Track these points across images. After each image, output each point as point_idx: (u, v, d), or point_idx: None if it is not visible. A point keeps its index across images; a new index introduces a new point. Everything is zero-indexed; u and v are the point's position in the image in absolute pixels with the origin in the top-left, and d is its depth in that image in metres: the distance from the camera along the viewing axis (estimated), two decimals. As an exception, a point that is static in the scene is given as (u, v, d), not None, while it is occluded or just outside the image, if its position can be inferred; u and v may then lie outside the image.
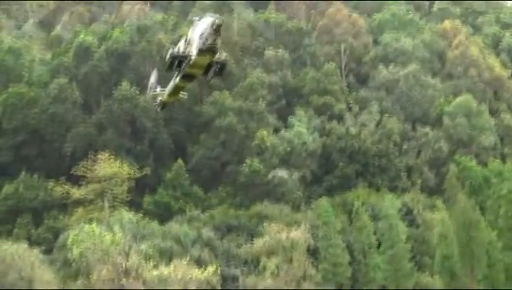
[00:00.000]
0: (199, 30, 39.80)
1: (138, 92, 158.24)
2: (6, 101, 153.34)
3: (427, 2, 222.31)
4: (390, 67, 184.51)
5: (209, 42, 34.60)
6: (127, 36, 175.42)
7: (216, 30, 34.98)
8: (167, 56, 41.06)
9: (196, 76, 45.61)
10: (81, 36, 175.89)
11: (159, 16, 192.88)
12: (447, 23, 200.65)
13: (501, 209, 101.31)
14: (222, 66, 42.21)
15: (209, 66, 37.23)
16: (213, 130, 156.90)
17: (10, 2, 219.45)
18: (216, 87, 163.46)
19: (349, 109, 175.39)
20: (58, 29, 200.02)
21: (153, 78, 61.18)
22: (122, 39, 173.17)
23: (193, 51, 36.58)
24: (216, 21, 36.00)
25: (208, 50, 35.62)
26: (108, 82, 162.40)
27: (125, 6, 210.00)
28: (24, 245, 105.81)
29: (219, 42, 36.54)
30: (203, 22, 39.75)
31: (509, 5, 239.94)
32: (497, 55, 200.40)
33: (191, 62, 37.84)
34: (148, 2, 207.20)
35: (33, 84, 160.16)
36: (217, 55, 38.82)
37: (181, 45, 40.38)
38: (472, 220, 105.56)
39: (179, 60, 38.88)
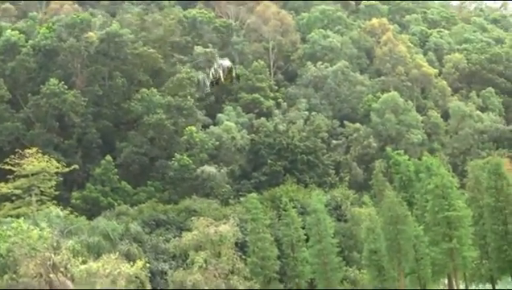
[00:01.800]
0: (221, 64, 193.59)
1: (65, 87, 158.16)
2: None
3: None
4: (319, 64, 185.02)
5: (224, 74, 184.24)
6: (55, 33, 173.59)
7: (229, 70, 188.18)
8: (204, 80, 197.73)
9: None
10: (8, 32, 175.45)
11: (87, 14, 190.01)
12: (374, 21, 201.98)
13: (428, 204, 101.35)
14: (234, 77, 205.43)
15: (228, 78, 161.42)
16: (142, 126, 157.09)
17: None
18: (145, 83, 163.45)
19: (278, 106, 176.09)
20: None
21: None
22: (50, 35, 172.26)
23: (220, 76, 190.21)
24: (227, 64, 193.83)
25: (225, 78, 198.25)
26: (35, 78, 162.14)
27: (54, 5, 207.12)
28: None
29: (232, 73, 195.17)
30: (222, 62, 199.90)
31: (436, 3, 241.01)
32: (425, 53, 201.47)
33: (218, 81, 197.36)
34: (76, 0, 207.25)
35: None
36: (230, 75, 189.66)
37: (212, 72, 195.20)
38: (399, 214, 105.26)
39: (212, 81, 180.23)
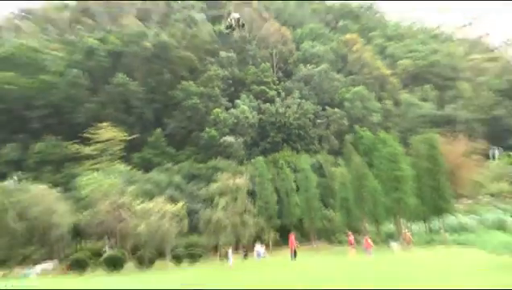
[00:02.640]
0: (233, 16, 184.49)
1: (129, 80, 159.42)
2: (33, 85, 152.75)
3: (334, 20, 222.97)
4: (308, 66, 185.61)
5: (235, 21, 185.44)
6: (122, 41, 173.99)
7: (238, 19, 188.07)
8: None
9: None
10: (89, 40, 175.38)
11: (144, 28, 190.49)
12: (348, 36, 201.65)
13: (382, 166, 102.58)
14: (240, 23, 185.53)
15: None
16: (182, 108, 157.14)
17: None
18: (185, 78, 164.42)
19: (278, 95, 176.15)
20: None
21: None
22: (118, 42, 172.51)
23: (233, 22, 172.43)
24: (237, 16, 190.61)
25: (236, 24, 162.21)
26: (108, 73, 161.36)
27: (121, 20, 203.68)
28: (46, 186, 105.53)
29: (240, 21, 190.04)
30: (233, 14, 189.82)
31: (392, 23, 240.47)
32: (383, 59, 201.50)
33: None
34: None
35: (53, 73, 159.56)
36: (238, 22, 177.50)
37: (228, 20, 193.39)
38: (362, 173, 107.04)
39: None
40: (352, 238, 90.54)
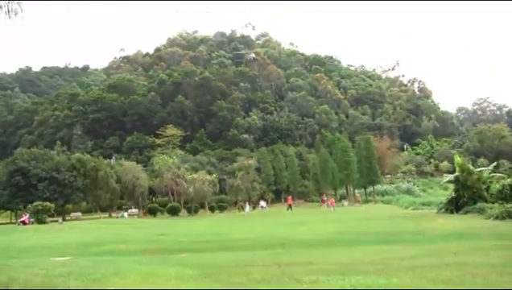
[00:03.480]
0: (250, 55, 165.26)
1: (184, 98, 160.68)
2: (127, 102, 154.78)
3: (309, 65, 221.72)
4: (293, 93, 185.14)
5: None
6: (179, 75, 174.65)
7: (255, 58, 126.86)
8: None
9: None
10: (162, 75, 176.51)
11: (194, 67, 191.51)
12: (318, 75, 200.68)
13: (338, 154, 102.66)
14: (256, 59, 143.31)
15: None
16: (217, 116, 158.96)
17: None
18: (218, 98, 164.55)
19: (275, 110, 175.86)
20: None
21: None
22: (178, 76, 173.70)
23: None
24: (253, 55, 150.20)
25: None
26: (171, 95, 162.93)
27: (182, 64, 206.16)
28: (133, 163, 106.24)
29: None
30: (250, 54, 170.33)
31: (344, 66, 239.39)
32: (339, 89, 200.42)
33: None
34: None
35: (139, 95, 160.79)
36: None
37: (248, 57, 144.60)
38: (326, 158, 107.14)
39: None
40: (325, 197, 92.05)
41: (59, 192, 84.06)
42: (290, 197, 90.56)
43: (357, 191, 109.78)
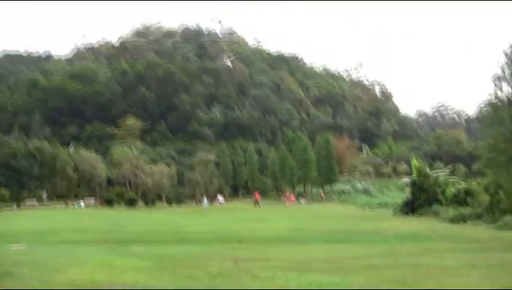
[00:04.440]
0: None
1: (147, 91, 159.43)
2: (89, 91, 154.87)
3: (274, 63, 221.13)
4: (257, 90, 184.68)
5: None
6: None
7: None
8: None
9: None
10: (124, 66, 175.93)
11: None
12: (282, 73, 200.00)
13: (297, 152, 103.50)
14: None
15: None
16: (179, 110, 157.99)
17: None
18: (182, 92, 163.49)
19: (237, 106, 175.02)
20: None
21: None
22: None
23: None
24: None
25: None
26: (134, 87, 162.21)
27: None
28: (92, 152, 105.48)
29: None
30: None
31: (308, 66, 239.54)
32: (302, 88, 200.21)
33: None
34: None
35: (101, 85, 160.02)
36: None
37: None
38: (285, 156, 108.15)
39: None
40: (287, 194, 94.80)
41: (15, 179, 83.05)
42: (257, 193, 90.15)
43: (313, 189, 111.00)
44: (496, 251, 18.78)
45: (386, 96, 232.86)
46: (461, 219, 34.70)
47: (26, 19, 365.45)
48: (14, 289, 10.64)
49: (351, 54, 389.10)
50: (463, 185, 44.74)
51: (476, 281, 11.66)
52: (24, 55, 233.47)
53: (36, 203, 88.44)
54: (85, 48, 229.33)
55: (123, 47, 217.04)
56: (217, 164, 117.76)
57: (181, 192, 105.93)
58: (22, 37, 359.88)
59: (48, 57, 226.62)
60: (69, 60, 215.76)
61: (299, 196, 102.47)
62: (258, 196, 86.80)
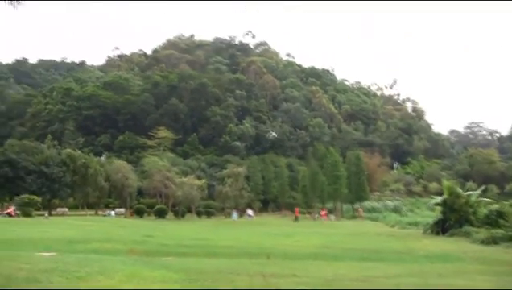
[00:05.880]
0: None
1: (178, 102, 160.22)
2: (121, 100, 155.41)
3: (305, 77, 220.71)
4: (288, 103, 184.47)
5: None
6: (176, 78, 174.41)
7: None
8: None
9: None
10: (157, 76, 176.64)
11: (190, 71, 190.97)
12: (313, 87, 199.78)
13: (328, 168, 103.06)
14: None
15: None
16: (210, 122, 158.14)
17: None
18: (213, 104, 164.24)
19: (269, 119, 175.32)
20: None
21: None
22: (175, 79, 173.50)
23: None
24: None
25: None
26: (165, 98, 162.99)
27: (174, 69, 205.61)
28: (124, 162, 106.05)
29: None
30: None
31: (340, 81, 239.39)
32: (333, 104, 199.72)
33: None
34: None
35: (134, 95, 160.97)
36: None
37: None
38: (315, 171, 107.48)
39: None
40: (323, 212, 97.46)
41: (47, 187, 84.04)
42: (297, 209, 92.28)
43: (344, 206, 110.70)
44: (528, 275, 18.45)
45: (419, 113, 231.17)
46: (493, 241, 34.06)
47: (62, 29, 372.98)
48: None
49: (385, 71, 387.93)
50: (495, 206, 43.92)
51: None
52: (58, 61, 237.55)
53: (67, 211, 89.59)
54: (119, 57, 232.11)
55: (156, 58, 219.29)
56: (248, 178, 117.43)
57: (211, 205, 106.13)
58: (58, 47, 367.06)
59: (81, 63, 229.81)
60: (102, 67, 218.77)
61: (329, 212, 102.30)
62: (297, 212, 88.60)
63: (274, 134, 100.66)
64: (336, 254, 26.28)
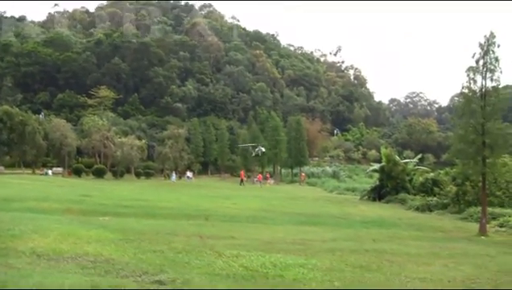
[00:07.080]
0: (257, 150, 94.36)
1: (121, 62, 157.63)
2: (62, 58, 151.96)
3: (250, 41, 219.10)
4: (231, 66, 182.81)
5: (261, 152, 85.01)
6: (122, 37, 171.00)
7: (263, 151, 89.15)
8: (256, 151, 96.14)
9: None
10: (100, 34, 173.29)
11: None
12: (257, 51, 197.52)
13: (269, 132, 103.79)
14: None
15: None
16: (152, 82, 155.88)
17: None
18: (156, 65, 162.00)
19: (211, 82, 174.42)
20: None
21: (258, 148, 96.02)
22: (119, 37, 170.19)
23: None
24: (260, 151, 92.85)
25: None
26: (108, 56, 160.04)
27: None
28: (64, 120, 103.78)
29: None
30: (258, 149, 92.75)
31: (284, 46, 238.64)
32: (276, 68, 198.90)
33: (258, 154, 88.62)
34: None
35: (75, 52, 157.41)
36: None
37: (256, 150, 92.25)
38: (256, 135, 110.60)
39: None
40: (268, 175, 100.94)
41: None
42: (242, 172, 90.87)
43: (283, 170, 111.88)
44: (459, 241, 19.02)
45: (361, 81, 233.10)
46: (427, 208, 35.14)
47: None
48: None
49: (330, 38, 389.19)
50: (431, 175, 45.12)
51: (438, 269, 11.78)
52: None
53: (3, 169, 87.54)
54: (61, 13, 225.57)
55: (99, 15, 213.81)
56: (188, 140, 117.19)
57: (150, 166, 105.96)
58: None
59: (22, 19, 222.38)
60: (43, 24, 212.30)
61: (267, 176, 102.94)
62: (243, 174, 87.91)
63: (262, 149, 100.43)
64: (274, 218, 26.54)
